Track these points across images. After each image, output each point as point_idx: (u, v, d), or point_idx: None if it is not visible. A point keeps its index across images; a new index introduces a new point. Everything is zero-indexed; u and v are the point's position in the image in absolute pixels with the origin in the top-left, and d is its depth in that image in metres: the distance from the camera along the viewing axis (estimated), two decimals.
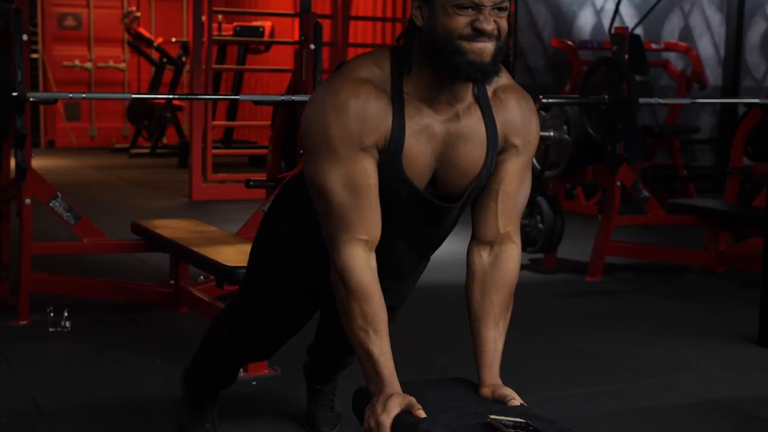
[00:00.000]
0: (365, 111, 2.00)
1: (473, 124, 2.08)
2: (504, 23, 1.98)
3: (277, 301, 2.47)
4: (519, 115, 2.12)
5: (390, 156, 2.04)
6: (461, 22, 1.94)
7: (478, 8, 1.93)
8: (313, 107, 2.05)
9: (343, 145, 2.00)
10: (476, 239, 2.18)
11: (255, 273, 2.52)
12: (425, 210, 2.15)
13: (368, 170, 2.03)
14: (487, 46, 1.96)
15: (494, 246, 2.16)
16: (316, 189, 2.06)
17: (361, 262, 2.03)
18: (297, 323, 2.57)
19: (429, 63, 2.01)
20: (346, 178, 2.02)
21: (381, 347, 2.01)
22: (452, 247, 3.64)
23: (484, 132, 2.09)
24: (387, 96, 2.02)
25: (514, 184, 2.15)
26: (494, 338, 2.12)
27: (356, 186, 2.02)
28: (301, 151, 4.46)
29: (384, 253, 2.09)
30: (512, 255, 2.16)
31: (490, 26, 1.94)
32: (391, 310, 2.29)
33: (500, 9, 1.95)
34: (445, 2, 1.95)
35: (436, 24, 1.97)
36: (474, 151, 2.09)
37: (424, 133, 2.05)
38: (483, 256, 2.16)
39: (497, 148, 2.11)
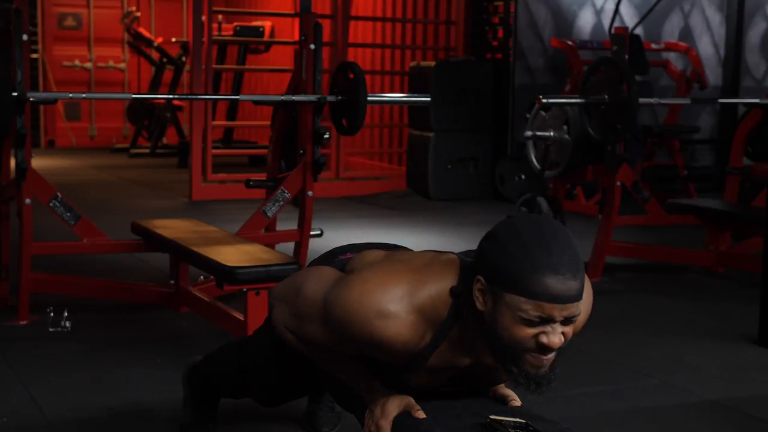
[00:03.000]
0: (390, 351, 1.88)
1: None
2: (571, 331, 1.81)
3: (285, 365, 2.39)
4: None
5: (395, 373, 1.96)
6: (527, 333, 1.77)
7: (548, 321, 1.77)
8: (360, 294, 1.88)
9: (350, 344, 1.93)
10: None
11: (267, 337, 2.39)
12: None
13: (348, 352, 1.99)
14: (548, 360, 1.81)
15: None
16: (298, 302, 2.02)
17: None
18: (301, 390, 2.54)
19: (482, 340, 1.85)
20: (325, 337, 1.97)
21: (354, 361, 2.01)
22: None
23: None
24: (427, 340, 1.87)
25: None
26: None
27: (327, 343, 1.99)
28: (301, 151, 4.47)
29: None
30: None
31: (556, 341, 1.78)
32: None
33: (571, 321, 1.80)
34: (512, 308, 1.76)
35: (497, 322, 1.79)
36: (504, 374, 1.97)
37: (443, 367, 1.94)
38: None
39: None
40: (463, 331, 1.87)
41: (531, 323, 1.75)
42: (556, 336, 1.77)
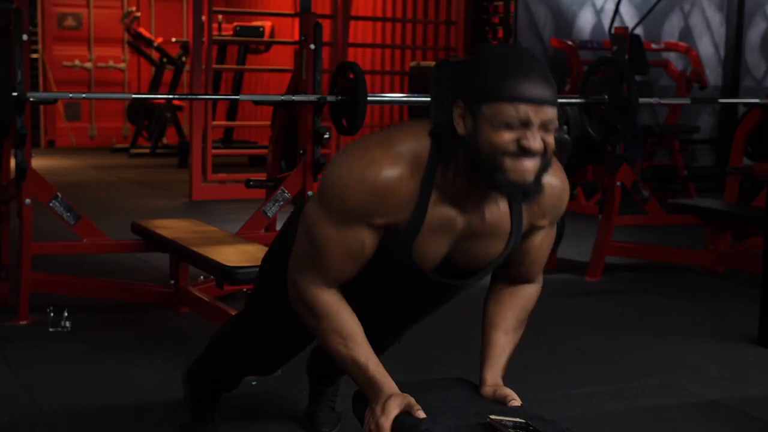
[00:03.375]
0: (389, 195, 1.93)
1: (498, 218, 2.02)
2: (551, 140, 1.88)
3: (283, 319, 2.45)
4: (549, 200, 2.04)
5: (400, 240, 1.99)
6: (506, 138, 1.84)
7: (526, 125, 1.84)
8: (343, 164, 1.97)
9: (353, 216, 1.96)
10: (497, 278, 2.20)
11: (263, 290, 2.49)
12: (431, 287, 2.13)
13: (366, 243, 2.00)
14: (531, 166, 1.86)
15: (517, 282, 2.20)
16: (308, 232, 2.04)
17: (324, 288, 2.05)
18: (302, 341, 2.56)
19: (467, 170, 1.92)
20: (341, 241, 1.99)
21: (365, 353, 2.02)
22: None
23: (509, 225, 2.03)
24: (417, 182, 1.94)
25: (540, 251, 2.16)
26: (503, 342, 2.13)
27: (348, 251, 2.00)
28: (301, 151, 4.47)
29: (385, 319, 2.09)
30: (533, 287, 2.21)
31: (537, 144, 1.84)
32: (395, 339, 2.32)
33: (548, 128, 1.87)
34: (491, 117, 1.84)
35: (479, 137, 1.86)
36: (494, 245, 2.05)
37: (443, 226, 1.99)
38: (503, 285, 2.19)
39: (520, 238, 2.08)
40: (448, 172, 1.94)
41: (510, 127, 1.83)
42: (535, 140, 1.84)
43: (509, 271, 2.17)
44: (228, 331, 2.67)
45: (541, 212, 2.07)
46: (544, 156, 1.88)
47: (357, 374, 2.02)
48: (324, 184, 2.01)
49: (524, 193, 1.88)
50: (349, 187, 1.94)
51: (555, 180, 2.04)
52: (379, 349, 2.12)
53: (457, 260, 2.07)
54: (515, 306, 2.18)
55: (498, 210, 2.01)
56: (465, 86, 1.89)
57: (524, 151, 1.84)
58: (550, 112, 1.86)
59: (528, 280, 2.21)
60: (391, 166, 1.93)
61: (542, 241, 2.15)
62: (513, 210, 2.03)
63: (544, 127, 1.86)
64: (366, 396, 2.02)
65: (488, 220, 2.01)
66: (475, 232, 2.02)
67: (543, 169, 1.89)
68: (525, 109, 1.83)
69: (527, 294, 2.21)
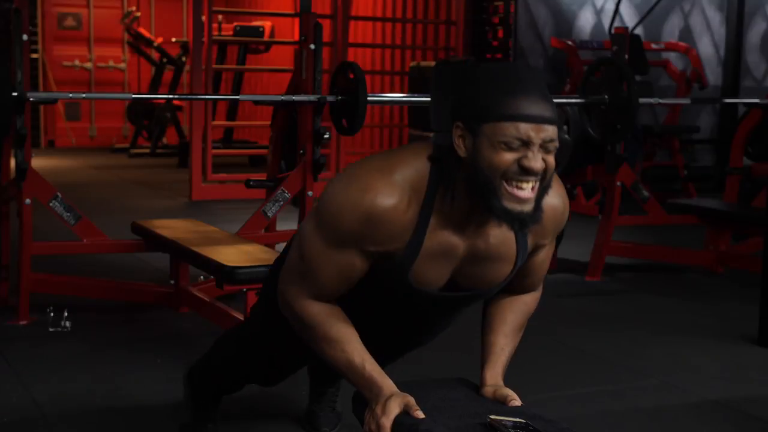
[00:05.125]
0: (382, 224, 1.91)
1: (503, 241, 2.00)
2: (552, 160, 1.85)
3: (287, 332, 2.41)
4: (552, 218, 2.02)
5: (396, 266, 1.97)
6: (507, 158, 1.81)
7: (527, 145, 1.82)
8: (341, 187, 1.95)
9: (344, 239, 1.95)
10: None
11: (267, 302, 2.45)
12: (436, 305, 2.11)
13: (357, 267, 1.99)
14: (530, 196, 1.84)
15: (517, 293, 2.20)
16: (300, 247, 2.04)
17: (312, 300, 2.04)
18: (305, 356, 2.54)
19: (467, 192, 1.90)
20: (331, 261, 1.98)
21: (359, 354, 2.01)
22: None
23: (514, 248, 2.02)
24: (415, 210, 1.92)
25: (542, 265, 2.16)
26: (502, 343, 2.13)
27: (338, 271, 1.99)
28: (301, 151, 4.47)
29: (391, 337, 2.09)
30: (533, 294, 2.21)
31: (538, 164, 1.81)
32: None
33: (549, 148, 1.84)
34: (491, 137, 1.82)
35: (479, 157, 1.84)
36: (500, 268, 2.03)
37: (443, 252, 1.97)
38: (504, 293, 2.18)
39: (526, 258, 2.07)
40: (448, 197, 1.92)
41: (510, 148, 1.81)
42: (537, 160, 1.81)
43: (511, 285, 2.16)
44: (232, 337, 2.65)
45: (544, 232, 2.05)
46: (544, 177, 1.86)
47: (354, 376, 2.01)
48: (320, 203, 1.99)
49: (521, 222, 1.86)
50: (343, 212, 1.92)
51: (556, 199, 2.02)
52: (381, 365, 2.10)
53: (461, 283, 2.05)
54: (515, 310, 2.18)
55: (501, 233, 1.98)
56: (464, 106, 1.87)
57: (525, 171, 1.82)
58: (551, 131, 1.82)
59: (530, 291, 2.21)
60: (388, 196, 1.90)
61: (544, 257, 2.15)
62: (517, 233, 2.00)
63: (544, 146, 1.83)
64: (365, 397, 2.02)
65: (492, 243, 1.98)
66: (479, 256, 2.00)
67: (543, 191, 1.87)
68: (525, 128, 1.80)
69: (527, 299, 2.21)
